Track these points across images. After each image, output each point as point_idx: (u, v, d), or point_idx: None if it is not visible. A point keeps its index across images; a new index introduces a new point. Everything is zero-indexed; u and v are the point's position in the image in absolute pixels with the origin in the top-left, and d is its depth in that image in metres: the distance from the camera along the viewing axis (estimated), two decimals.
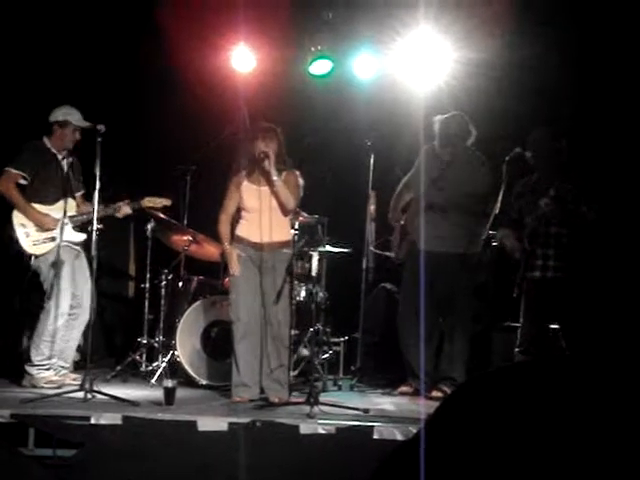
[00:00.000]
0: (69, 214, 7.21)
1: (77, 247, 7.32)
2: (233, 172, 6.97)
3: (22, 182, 7.18)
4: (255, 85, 8.46)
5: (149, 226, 8.02)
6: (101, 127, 6.64)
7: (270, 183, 6.76)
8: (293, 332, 7.33)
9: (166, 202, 7.55)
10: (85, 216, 7.26)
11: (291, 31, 8.47)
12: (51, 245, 7.15)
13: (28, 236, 7.14)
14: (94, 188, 6.64)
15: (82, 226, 7.31)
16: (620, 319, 7.14)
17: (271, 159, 6.72)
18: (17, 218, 7.15)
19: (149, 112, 8.74)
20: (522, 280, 6.87)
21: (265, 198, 6.78)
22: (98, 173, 6.57)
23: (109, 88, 8.63)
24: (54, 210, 7.21)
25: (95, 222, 6.64)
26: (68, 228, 7.22)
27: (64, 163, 7.37)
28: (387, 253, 8.12)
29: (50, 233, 7.15)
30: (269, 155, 6.72)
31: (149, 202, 7.46)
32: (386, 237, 8.09)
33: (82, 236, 7.30)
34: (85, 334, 7.18)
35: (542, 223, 6.76)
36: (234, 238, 6.87)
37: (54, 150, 7.32)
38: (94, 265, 6.62)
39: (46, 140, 7.31)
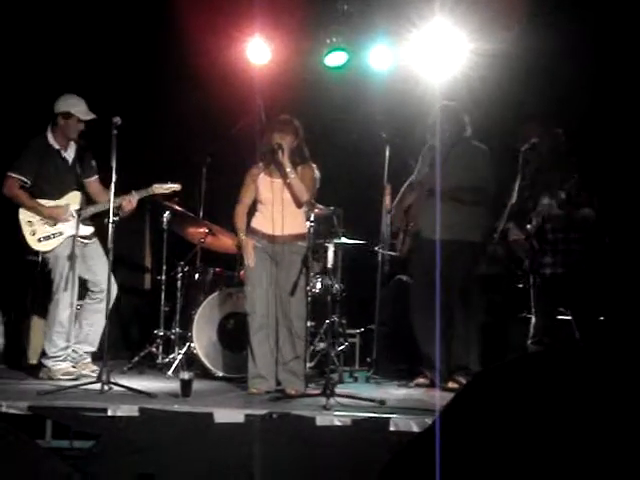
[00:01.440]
0: (75, 208, 7.26)
1: (85, 239, 7.34)
2: (250, 164, 6.98)
3: (25, 185, 7.21)
4: (270, 77, 8.46)
5: (165, 218, 8.04)
6: (117, 119, 6.62)
7: (284, 175, 6.77)
8: (309, 324, 7.34)
9: (175, 187, 7.45)
10: (93, 208, 7.29)
11: (306, 23, 8.47)
12: (58, 240, 7.19)
13: (34, 234, 7.17)
14: (110, 181, 6.64)
15: (92, 218, 7.34)
16: (632, 310, 7.14)
17: (285, 151, 6.73)
18: (24, 215, 7.19)
19: (165, 104, 8.76)
20: (529, 275, 6.90)
21: (278, 190, 6.79)
22: (114, 165, 6.57)
23: (125, 80, 8.65)
24: (61, 204, 7.24)
25: (112, 214, 6.63)
26: (75, 221, 7.23)
27: (67, 156, 7.38)
28: (393, 253, 8.12)
29: (57, 228, 7.19)
30: (283, 147, 6.73)
31: (158, 189, 7.38)
32: (391, 241, 8.09)
33: (89, 229, 7.33)
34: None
35: (548, 221, 6.79)
36: (249, 230, 6.88)
37: (57, 145, 7.32)
38: (110, 257, 6.61)
39: (49, 134, 7.31)
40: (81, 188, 7.37)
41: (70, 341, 7.21)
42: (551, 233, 6.82)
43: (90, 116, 7.23)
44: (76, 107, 7.23)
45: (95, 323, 7.32)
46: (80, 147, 7.40)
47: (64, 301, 7.16)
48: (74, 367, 7.21)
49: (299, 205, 6.82)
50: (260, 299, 6.75)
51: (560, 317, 7.24)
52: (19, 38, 8.29)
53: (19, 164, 7.21)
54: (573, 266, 6.79)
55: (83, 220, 7.28)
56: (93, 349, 7.38)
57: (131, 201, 7.21)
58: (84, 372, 7.16)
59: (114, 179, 6.58)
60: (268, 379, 6.73)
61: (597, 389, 2.41)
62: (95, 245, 7.38)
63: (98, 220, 7.27)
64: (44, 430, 5.65)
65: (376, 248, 8.16)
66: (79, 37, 8.47)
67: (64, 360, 7.17)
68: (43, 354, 7.24)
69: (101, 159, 7.35)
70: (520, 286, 7.04)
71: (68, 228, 7.21)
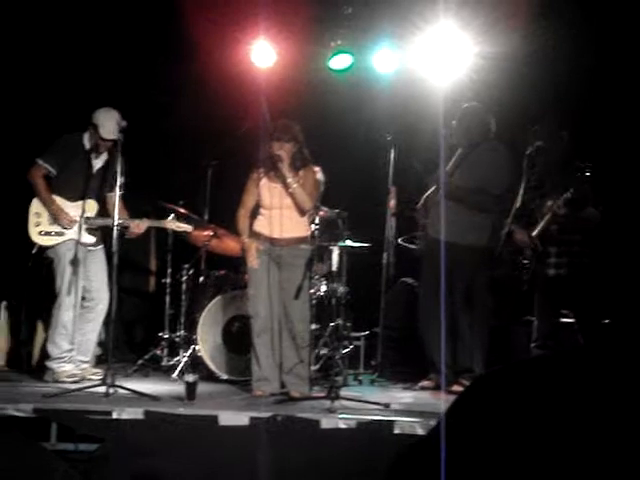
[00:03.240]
0: (87, 214, 7.26)
1: (89, 246, 7.35)
2: (252, 168, 6.99)
3: (50, 174, 7.25)
4: (275, 80, 8.46)
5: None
6: (123, 123, 6.66)
7: (286, 185, 6.77)
8: (314, 327, 7.35)
9: (188, 228, 7.61)
10: (101, 220, 7.29)
11: (311, 26, 8.47)
12: (57, 239, 7.21)
13: (38, 225, 7.21)
14: (116, 183, 6.67)
15: (98, 228, 7.35)
16: (635, 313, 7.13)
17: (285, 162, 6.73)
18: (34, 206, 7.24)
19: (170, 107, 8.77)
20: (532, 276, 6.89)
21: (279, 195, 6.81)
22: (119, 169, 6.59)
23: (130, 84, 8.65)
24: (73, 207, 7.25)
25: (116, 218, 6.65)
26: (82, 228, 7.24)
27: (96, 162, 7.39)
28: (412, 246, 8.14)
29: (59, 228, 7.21)
30: (282, 159, 6.73)
31: (170, 223, 7.50)
32: (412, 233, 8.10)
33: (92, 239, 7.33)
34: (107, 329, 7.22)
35: (553, 222, 6.77)
36: (252, 233, 6.89)
37: (89, 147, 7.35)
38: (115, 261, 6.60)
39: (85, 136, 7.35)
40: (99, 197, 7.39)
41: (74, 343, 7.22)
42: (556, 234, 6.82)
43: (111, 136, 7.15)
44: (104, 125, 7.18)
45: (87, 332, 7.34)
46: (111, 158, 7.36)
47: (66, 303, 7.17)
48: (80, 372, 7.22)
49: (302, 213, 6.84)
50: (263, 302, 6.76)
51: (564, 320, 7.24)
52: (27, 43, 8.33)
53: (48, 153, 7.27)
54: (577, 267, 6.78)
55: (89, 229, 7.29)
56: (86, 358, 7.37)
57: (139, 226, 7.29)
58: (87, 375, 7.17)
59: (119, 182, 6.62)
60: (272, 381, 6.73)
61: (600, 393, 2.40)
62: (99, 253, 7.40)
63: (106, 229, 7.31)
64: (49, 433, 5.64)
65: (399, 240, 8.17)
66: (84, 42, 8.48)
67: (68, 362, 7.18)
68: (47, 356, 7.24)
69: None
70: (525, 289, 7.00)
71: (71, 231, 7.22)
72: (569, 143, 6.98)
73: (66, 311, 7.17)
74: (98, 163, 7.40)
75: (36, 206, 7.23)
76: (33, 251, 7.27)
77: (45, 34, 8.35)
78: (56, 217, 7.18)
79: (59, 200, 7.24)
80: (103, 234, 7.38)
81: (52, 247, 7.22)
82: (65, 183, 7.27)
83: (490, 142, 7.34)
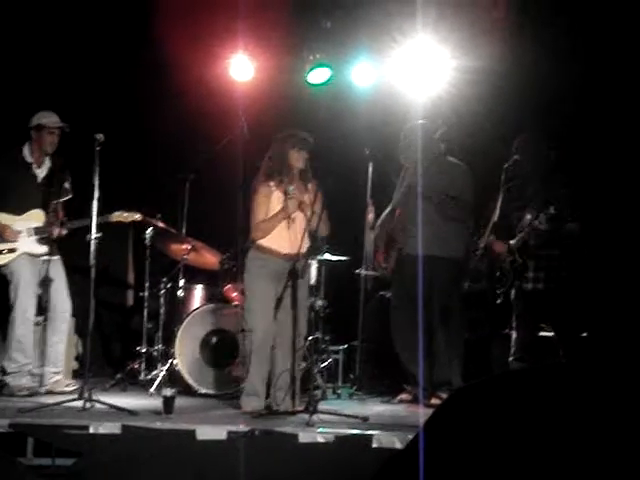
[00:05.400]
0: (35, 225, 7.29)
1: (44, 256, 7.33)
2: (258, 182, 6.79)
3: None
4: (253, 94, 8.45)
5: (148, 234, 8.03)
6: (100, 136, 6.63)
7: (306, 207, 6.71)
8: None
9: (136, 217, 7.59)
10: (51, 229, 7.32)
11: (290, 40, 8.48)
12: (9, 257, 7.23)
13: None
14: (92, 197, 6.62)
15: (49, 237, 7.34)
16: (613, 325, 7.15)
17: (305, 205, 6.69)
18: None
19: (148, 121, 8.75)
20: (509, 289, 6.92)
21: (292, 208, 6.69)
22: (97, 182, 6.56)
23: (108, 97, 8.65)
24: (21, 221, 7.28)
25: (94, 231, 6.62)
26: (31, 239, 7.27)
27: (39, 172, 7.41)
28: (375, 273, 8.12)
29: (9, 245, 7.22)
30: (304, 203, 6.69)
31: (118, 217, 7.48)
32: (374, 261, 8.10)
33: (44, 249, 7.31)
34: (84, 343, 7.18)
35: (533, 236, 6.79)
36: (257, 248, 6.71)
37: (30, 159, 7.37)
38: (92, 274, 6.58)
39: (25, 149, 7.37)
40: (46, 207, 7.37)
41: (30, 357, 7.21)
42: (535, 249, 6.84)
43: (59, 124, 7.28)
44: (46, 118, 7.30)
45: (54, 343, 7.37)
46: (55, 166, 7.42)
47: (20, 317, 7.18)
48: (34, 384, 7.22)
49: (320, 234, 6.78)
50: (265, 316, 6.57)
51: (543, 334, 7.26)
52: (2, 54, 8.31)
53: None
54: (555, 282, 6.80)
55: (40, 239, 7.29)
56: (57, 369, 7.36)
57: (60, 232, 7.33)
58: (59, 389, 7.16)
59: (96, 196, 6.58)
60: (261, 397, 6.64)
61: (578, 406, 2.41)
62: (57, 263, 7.39)
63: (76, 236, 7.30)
64: (25, 448, 5.59)
65: (363, 271, 8.14)
66: (62, 54, 8.47)
67: (23, 376, 7.17)
68: (3, 372, 7.23)
69: (84, 176, 7.36)
70: (499, 302, 7.03)
71: (22, 245, 7.25)
72: (553, 159, 7.00)
73: (19, 325, 7.17)
74: (42, 172, 7.43)
75: None
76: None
77: (20, 46, 8.33)
78: (1, 234, 7.20)
79: (6, 217, 7.25)
80: (58, 243, 7.39)
81: (5, 265, 7.24)
82: (8, 199, 7.29)
83: (442, 158, 7.37)
